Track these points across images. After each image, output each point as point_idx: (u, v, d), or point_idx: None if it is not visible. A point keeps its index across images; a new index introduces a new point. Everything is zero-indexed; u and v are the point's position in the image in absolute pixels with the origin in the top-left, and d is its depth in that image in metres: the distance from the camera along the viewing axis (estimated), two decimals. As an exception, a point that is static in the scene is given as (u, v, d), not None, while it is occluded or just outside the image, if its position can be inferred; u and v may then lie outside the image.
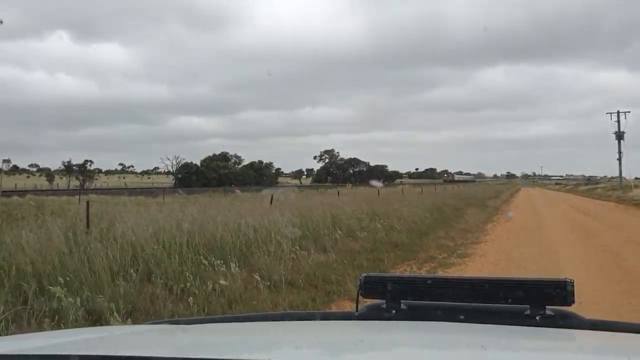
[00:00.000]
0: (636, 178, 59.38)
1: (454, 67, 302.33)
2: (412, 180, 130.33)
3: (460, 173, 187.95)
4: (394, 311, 1.59)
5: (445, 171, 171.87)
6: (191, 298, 6.64)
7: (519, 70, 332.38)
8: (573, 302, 1.49)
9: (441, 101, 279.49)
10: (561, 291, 1.49)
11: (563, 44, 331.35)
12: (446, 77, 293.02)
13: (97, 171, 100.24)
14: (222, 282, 7.16)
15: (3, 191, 40.70)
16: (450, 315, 1.55)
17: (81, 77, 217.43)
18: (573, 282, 1.50)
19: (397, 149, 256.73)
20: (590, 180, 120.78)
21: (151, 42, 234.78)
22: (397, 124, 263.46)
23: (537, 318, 1.50)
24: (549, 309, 1.51)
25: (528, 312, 1.52)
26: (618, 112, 60.96)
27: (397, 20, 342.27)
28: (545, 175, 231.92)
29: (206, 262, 7.79)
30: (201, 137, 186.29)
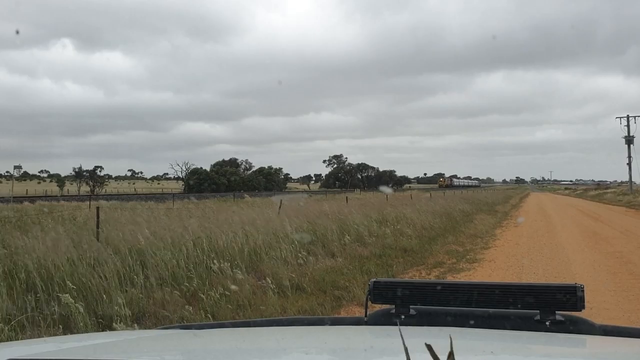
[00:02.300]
0: (647, 183, 59.02)
1: (457, 74, 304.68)
2: (421, 185, 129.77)
3: (469, 178, 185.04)
4: (403, 317, 1.59)
5: (454, 175, 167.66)
6: (200, 303, 6.66)
7: (521, 76, 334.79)
8: (583, 307, 1.49)
9: (446, 107, 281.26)
10: (571, 296, 1.48)
11: (562, 51, 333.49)
12: (450, 84, 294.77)
13: (107, 177, 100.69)
14: (233, 287, 7.17)
15: (14, 197, 40.96)
16: (459, 321, 1.55)
17: (87, 86, 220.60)
18: (583, 287, 1.50)
19: (405, 154, 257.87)
20: (600, 185, 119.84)
21: (154, 52, 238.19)
22: (403, 129, 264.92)
23: (547, 323, 1.50)
24: (559, 315, 1.51)
25: (538, 317, 1.51)
26: (628, 117, 60.60)
27: (397, 29, 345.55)
28: (555, 180, 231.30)
29: (215, 267, 7.80)
30: (208, 143, 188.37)
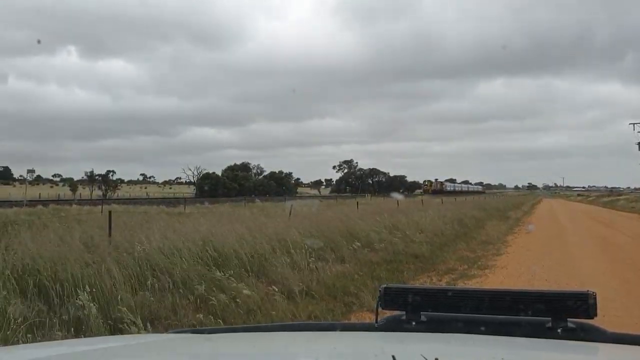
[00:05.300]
0: (661, 189, 58.29)
1: (460, 80, 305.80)
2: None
3: (480, 184, 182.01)
4: (413, 323, 1.58)
5: (465, 181, 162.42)
6: (210, 308, 6.67)
7: (521, 83, 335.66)
8: (595, 314, 1.48)
9: (453, 113, 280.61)
10: (583, 303, 1.47)
11: (561, 58, 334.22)
12: (454, 90, 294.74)
13: (119, 181, 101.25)
14: (245, 291, 7.19)
15: (28, 200, 41.32)
16: (470, 327, 1.54)
17: (95, 91, 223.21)
18: (595, 294, 1.49)
19: (415, 159, 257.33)
20: (612, 192, 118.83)
21: (159, 59, 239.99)
22: (411, 135, 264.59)
23: (559, 331, 1.49)
24: (571, 322, 1.50)
25: (549, 324, 1.50)
26: (642, 123, 59.98)
27: (396, 36, 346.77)
28: (567, 187, 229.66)
29: (225, 272, 7.81)
30: (215, 148, 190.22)
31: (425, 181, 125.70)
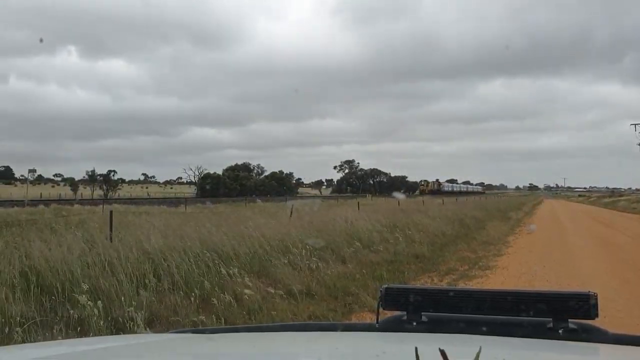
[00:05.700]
0: (662, 190, 58.33)
1: (460, 81, 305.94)
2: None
3: (481, 184, 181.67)
4: (414, 323, 1.58)
5: (467, 181, 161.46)
6: (211, 308, 6.67)
7: (521, 83, 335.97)
8: (597, 315, 1.48)
9: (454, 114, 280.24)
10: (584, 304, 1.47)
11: (560, 59, 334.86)
12: (455, 91, 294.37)
13: (120, 181, 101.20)
14: (247, 291, 7.19)
15: (30, 200, 41.38)
16: (471, 328, 1.54)
17: (95, 92, 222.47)
18: (596, 295, 1.48)
19: (414, 160, 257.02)
20: (614, 192, 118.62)
21: (159, 60, 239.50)
22: (412, 135, 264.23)
23: (560, 331, 1.49)
24: (572, 322, 1.50)
25: (550, 325, 1.50)
26: (644, 124, 59.95)
27: (395, 38, 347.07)
28: (569, 187, 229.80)
29: (226, 272, 7.81)
30: (215, 148, 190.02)
31: (421, 181, 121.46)
